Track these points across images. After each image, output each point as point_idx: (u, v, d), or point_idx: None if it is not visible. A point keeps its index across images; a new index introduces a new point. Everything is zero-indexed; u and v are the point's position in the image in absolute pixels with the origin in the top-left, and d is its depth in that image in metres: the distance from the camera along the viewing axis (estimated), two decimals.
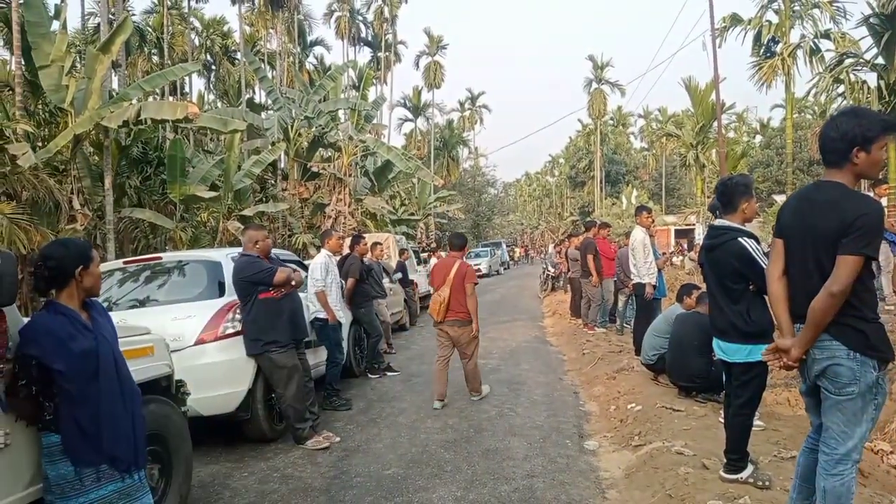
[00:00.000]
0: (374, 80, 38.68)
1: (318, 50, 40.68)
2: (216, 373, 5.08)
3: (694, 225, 34.15)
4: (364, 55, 44.88)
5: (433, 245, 30.88)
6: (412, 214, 29.49)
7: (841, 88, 13.52)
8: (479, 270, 31.36)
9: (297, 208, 19.81)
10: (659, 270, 8.78)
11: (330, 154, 22.41)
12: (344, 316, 6.99)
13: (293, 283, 5.16)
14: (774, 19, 21.41)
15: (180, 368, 4.26)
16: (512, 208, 74.26)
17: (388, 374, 8.20)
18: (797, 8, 20.82)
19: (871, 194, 9.29)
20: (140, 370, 3.42)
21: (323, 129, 20.10)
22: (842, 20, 19.94)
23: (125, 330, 3.43)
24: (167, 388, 3.83)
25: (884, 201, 9.92)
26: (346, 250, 8.60)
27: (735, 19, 21.80)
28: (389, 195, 26.22)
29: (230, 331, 5.17)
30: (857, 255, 2.43)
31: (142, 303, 5.52)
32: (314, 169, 20.58)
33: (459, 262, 6.49)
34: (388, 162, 21.73)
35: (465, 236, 7.54)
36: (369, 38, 43.49)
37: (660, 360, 6.47)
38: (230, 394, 5.13)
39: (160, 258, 6.05)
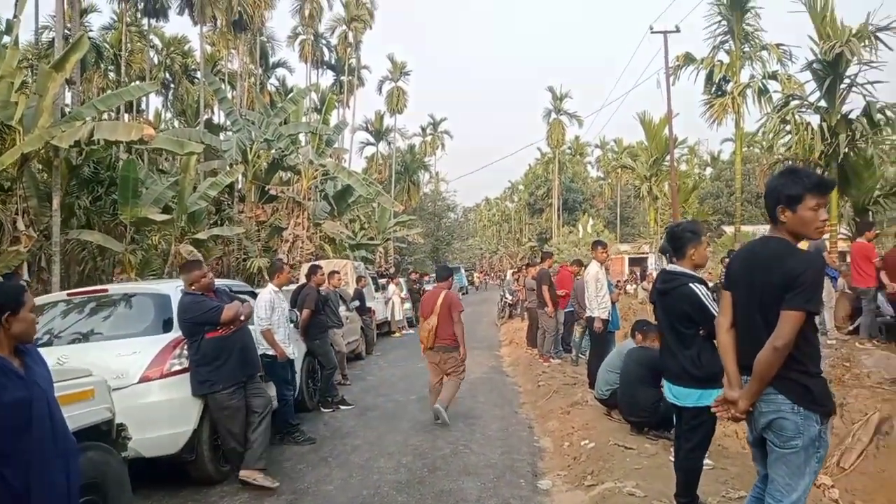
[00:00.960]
0: (336, 104, 38.67)
1: (280, 71, 40.63)
2: (161, 412, 4.91)
3: (647, 254, 34.98)
4: (327, 78, 44.99)
5: (392, 271, 30.74)
6: (371, 239, 29.34)
7: (788, 128, 14.14)
8: None
9: (254, 231, 19.48)
10: (613, 303, 8.96)
11: (289, 177, 22.20)
12: (296, 350, 6.87)
13: (242, 318, 5.05)
14: (726, 59, 22.39)
15: (123, 407, 4.11)
16: (471, 233, 74.71)
17: (342, 407, 8.05)
18: (747, 49, 21.83)
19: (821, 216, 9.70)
20: (79, 415, 3.28)
21: (283, 152, 19.92)
22: (788, 63, 21.04)
23: (64, 374, 3.30)
24: (107, 433, 3.67)
25: (826, 239, 10.35)
26: (302, 279, 8.49)
27: (688, 58, 22.71)
28: (349, 219, 26.08)
29: (176, 368, 5.01)
30: (799, 311, 2.51)
31: (85, 337, 5.32)
32: (272, 192, 20.33)
33: (446, 293, 6.97)
34: (349, 186, 21.65)
35: (451, 268, 8.31)
36: (333, 62, 43.55)
37: (613, 395, 6.54)
38: (175, 434, 4.95)
39: (106, 290, 5.85)
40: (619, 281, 29.66)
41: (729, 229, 33.88)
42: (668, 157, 24.05)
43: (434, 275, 34.86)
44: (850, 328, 9.79)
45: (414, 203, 47.34)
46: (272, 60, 39.15)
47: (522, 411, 7.92)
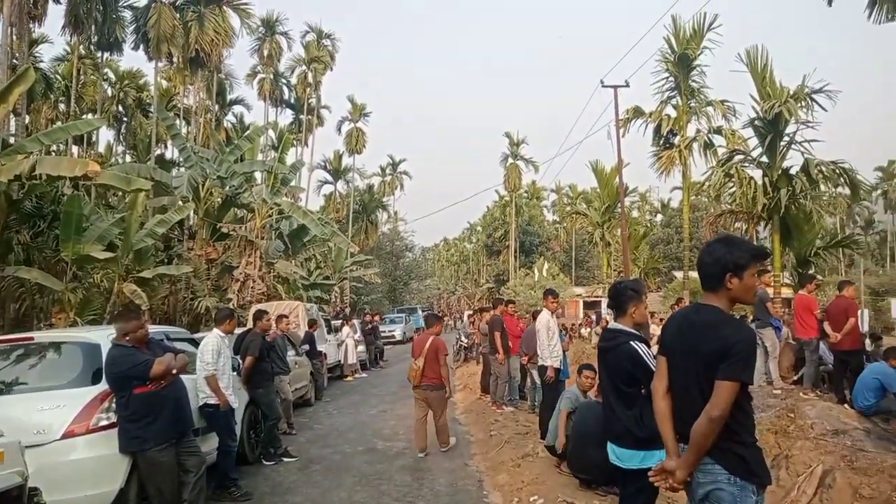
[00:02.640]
0: (294, 143, 38.55)
1: (237, 108, 40.32)
2: (85, 470, 4.61)
3: (601, 298, 35.46)
4: (286, 117, 44.88)
5: (347, 311, 30.29)
6: (327, 278, 28.95)
7: (732, 181, 14.72)
8: (392, 337, 30.99)
9: (203, 270, 18.96)
10: (563, 352, 8.97)
11: (243, 215, 21.83)
12: (237, 399, 6.59)
13: (175, 371, 4.80)
14: (673, 114, 23.42)
15: (43, 465, 3.84)
16: (429, 273, 74.64)
17: (285, 459, 7.71)
18: (693, 105, 22.89)
19: (758, 282, 10.02)
20: None
21: (236, 189, 19.61)
22: (732, 119, 22.17)
23: None
24: (17, 499, 3.39)
25: (770, 291, 10.67)
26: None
27: (637, 112, 23.65)
28: (304, 258, 25.69)
29: (104, 423, 4.73)
30: (734, 381, 2.50)
31: (7, 388, 5.00)
32: (224, 230, 19.90)
33: (434, 338, 7.83)
34: (304, 225, 21.40)
35: (439, 316, 9.25)
36: (292, 101, 43.60)
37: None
38: (100, 494, 4.65)
39: (32, 338, 5.53)
40: (573, 324, 29.94)
41: (679, 274, 34.77)
42: (619, 205, 24.65)
43: (388, 316, 34.53)
44: (795, 378, 10.03)
45: (371, 242, 47.13)
46: (230, 97, 38.93)
47: (473, 463, 7.74)
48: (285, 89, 42.91)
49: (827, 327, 8.79)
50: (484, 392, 12.16)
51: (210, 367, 5.94)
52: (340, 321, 19.20)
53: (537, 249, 62.81)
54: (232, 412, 6.28)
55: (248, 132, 25.17)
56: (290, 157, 32.20)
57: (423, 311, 49.44)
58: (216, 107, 36.53)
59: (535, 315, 11.00)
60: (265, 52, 38.16)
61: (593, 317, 28.63)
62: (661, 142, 23.71)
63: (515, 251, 58.30)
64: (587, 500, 5.51)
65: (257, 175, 23.45)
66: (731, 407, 2.50)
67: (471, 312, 25.73)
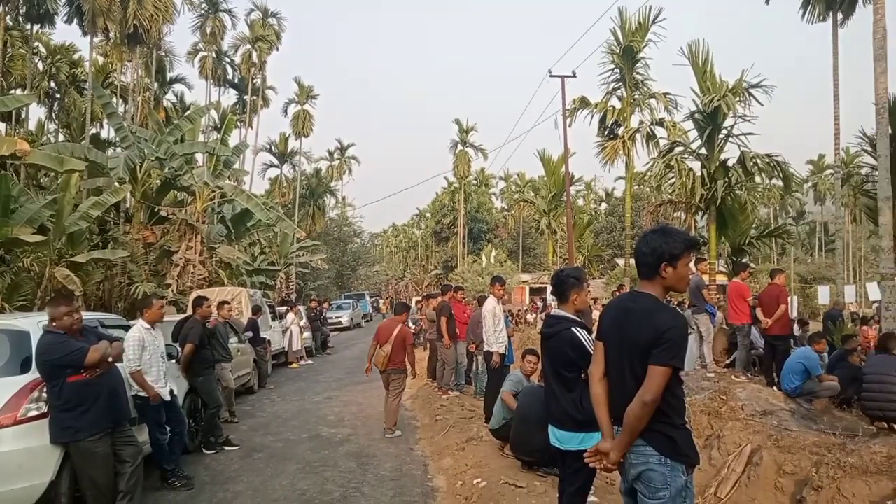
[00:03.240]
0: (238, 124, 37.50)
1: (178, 87, 38.82)
2: (13, 463, 4.41)
3: (547, 284, 36.09)
4: (229, 97, 43.55)
5: (293, 297, 29.82)
6: (272, 264, 28.36)
7: (672, 172, 15.17)
8: (339, 323, 30.72)
9: (140, 255, 18.29)
10: (509, 338, 9.10)
11: (183, 198, 21.12)
12: (175, 387, 6.41)
13: (110, 360, 4.64)
14: (618, 105, 23.92)
15: None
16: (378, 259, 74.24)
17: (227, 448, 7.57)
18: (637, 97, 23.44)
19: (694, 270, 10.40)
20: None
21: (176, 171, 18.93)
22: (674, 111, 22.83)
23: None
24: None
25: (705, 278, 11.08)
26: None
27: (584, 102, 24.04)
28: (248, 243, 25.10)
29: (33, 413, 4.53)
30: (666, 366, 2.59)
31: None
32: (163, 213, 19.22)
33: (401, 326, 8.40)
34: (248, 209, 20.87)
35: (406, 305, 9.65)
36: (236, 81, 42.31)
37: (506, 426, 6.58)
38: (29, 487, 4.46)
39: None
40: (519, 310, 30.39)
41: (621, 262, 35.72)
42: (565, 194, 25.07)
43: (336, 303, 34.17)
44: (727, 362, 10.48)
45: (319, 228, 46.40)
46: (170, 76, 37.44)
47: (418, 448, 7.80)
48: (229, 69, 41.61)
49: (759, 313, 9.21)
50: (430, 378, 12.24)
51: (133, 363, 5.67)
52: (285, 308, 18.90)
53: (485, 236, 63.29)
54: (167, 404, 6.08)
55: (188, 112, 24.29)
56: (234, 139, 31.44)
57: (370, 297, 49.31)
58: (155, 85, 35.09)
59: (480, 301, 11.12)
60: (208, 30, 36.85)
61: (539, 303, 29.11)
62: (606, 132, 24.21)
63: (464, 238, 58.59)
64: (529, 482, 5.62)
65: (198, 157, 22.72)
66: (662, 391, 2.59)
67: (419, 299, 25.74)
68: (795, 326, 13.31)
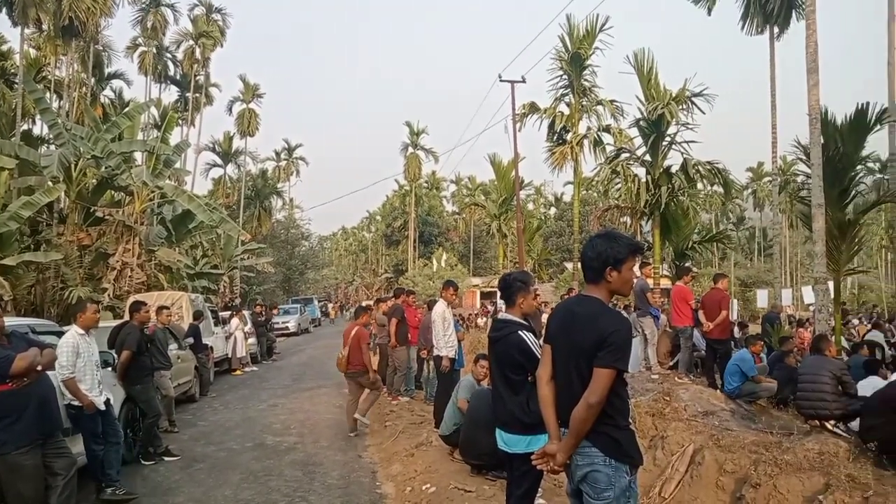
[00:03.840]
0: (179, 122, 36.34)
1: (116, 83, 37.28)
2: None
3: (497, 288, 36.31)
4: (171, 94, 42.11)
5: (237, 302, 29.05)
6: (215, 267, 27.53)
7: (618, 178, 15.52)
8: (286, 329, 30.11)
9: (75, 257, 17.47)
10: (459, 342, 9.07)
11: (120, 198, 20.29)
12: (111, 396, 6.11)
13: (39, 368, 4.36)
14: (566, 111, 24.36)
15: None
16: (326, 262, 73.28)
17: (166, 458, 7.25)
18: (585, 103, 23.92)
19: (640, 274, 10.62)
20: None
21: (113, 170, 18.17)
22: (620, 118, 23.43)
23: None
24: None
25: (650, 282, 11.35)
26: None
27: (533, 107, 24.40)
28: (190, 245, 24.29)
29: None
30: (610, 368, 2.61)
31: None
32: (99, 214, 18.42)
33: (358, 328, 8.60)
34: (189, 211, 20.22)
35: (366, 307, 10.01)
36: (178, 78, 41.00)
37: (456, 432, 6.54)
38: None
39: None
40: (469, 314, 30.48)
41: (570, 265, 36.34)
42: (515, 198, 25.32)
43: (283, 307, 33.49)
44: (671, 364, 10.74)
45: (265, 230, 45.40)
46: (108, 71, 35.92)
47: (367, 454, 7.68)
48: (170, 65, 40.26)
49: (701, 316, 9.48)
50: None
51: (66, 370, 5.37)
52: (229, 313, 18.38)
53: (436, 240, 63.30)
54: (101, 414, 5.78)
55: (127, 109, 23.39)
56: (175, 137, 30.37)
57: (319, 301, 48.55)
58: (92, 80, 33.64)
59: (430, 305, 11.06)
60: (149, 24, 35.57)
61: (490, 307, 29.29)
62: (555, 138, 24.61)
63: (415, 241, 58.46)
64: (478, 486, 5.60)
65: (137, 155, 21.94)
66: (607, 393, 2.60)
67: (369, 303, 25.50)
68: (735, 329, 13.81)
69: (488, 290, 44.15)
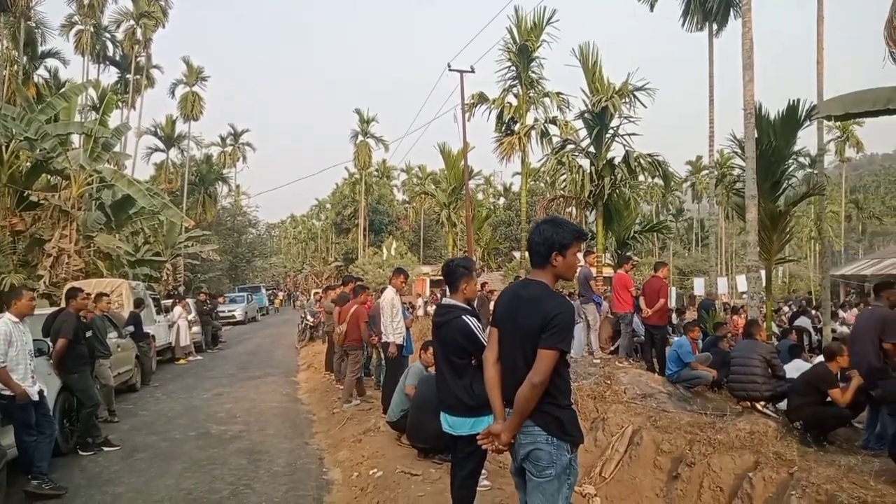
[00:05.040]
0: (119, 104, 34.93)
1: (51, 62, 35.44)
2: None
3: None
4: (110, 75, 40.33)
5: (181, 290, 28.27)
6: (158, 254, 26.68)
7: (564, 169, 15.84)
8: (233, 317, 29.56)
9: (8, 243, 16.66)
10: (407, 328, 9.13)
11: (56, 182, 19.41)
12: (45, 386, 5.91)
13: None
14: (514, 102, 24.60)
15: None
16: (275, 250, 71.92)
17: (105, 449, 7.08)
18: (532, 94, 24.21)
19: (584, 262, 10.91)
20: None
21: (48, 153, 17.36)
22: (566, 110, 23.82)
23: None
24: None
25: (593, 270, 11.67)
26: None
27: (482, 98, 24.59)
28: (131, 232, 23.45)
29: None
30: (553, 349, 2.70)
31: None
32: (34, 198, 17.59)
33: (357, 307, 9.25)
34: (129, 196, 19.50)
35: (365, 286, 10.65)
36: (117, 59, 39.32)
37: (404, 417, 6.61)
38: None
39: None
40: (415, 305, 30.53)
41: (518, 254, 36.80)
42: (464, 187, 25.46)
43: (229, 296, 32.83)
44: (612, 349, 11.09)
45: (210, 217, 44.14)
46: (41, 49, 34.09)
47: (314, 441, 7.68)
48: (109, 45, 38.54)
49: (642, 302, 9.84)
50: (328, 370, 12.05)
51: None
52: (172, 300, 17.91)
53: (387, 228, 62.95)
54: (35, 404, 5.59)
55: (63, 89, 22.32)
56: (115, 120, 29.23)
57: (267, 289, 47.70)
58: (24, 59, 31.91)
59: (380, 292, 11.10)
60: (85, 2, 33.95)
61: (439, 294, 29.40)
62: (503, 128, 24.85)
63: (365, 229, 57.98)
64: (424, 469, 5.69)
65: (74, 138, 20.95)
66: (551, 373, 2.70)
67: (318, 291, 25.24)
68: (674, 315, 14.35)
69: (437, 278, 44.26)
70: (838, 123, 41.33)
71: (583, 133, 16.49)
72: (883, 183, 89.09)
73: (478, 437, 3.02)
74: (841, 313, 18.39)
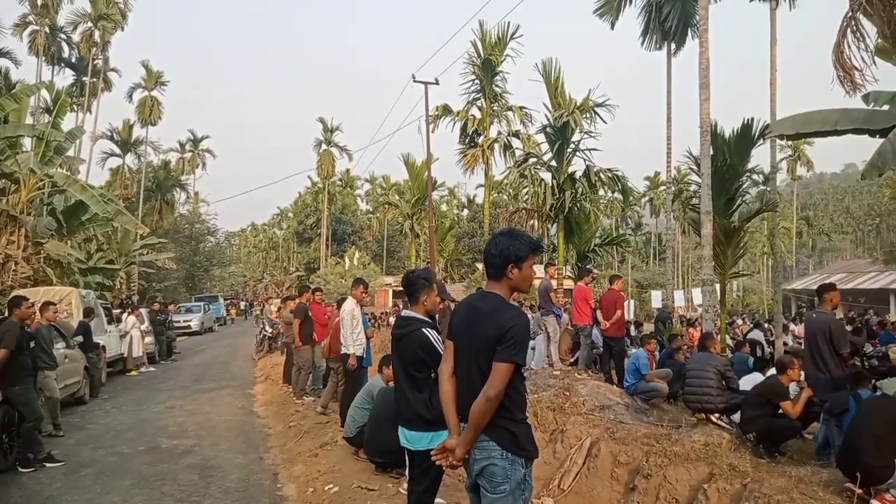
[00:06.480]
0: (74, 107, 33.96)
1: (2, 62, 34.23)
2: None
3: None
4: (65, 77, 39.18)
5: (135, 299, 27.47)
6: (111, 262, 25.93)
7: (526, 182, 16.03)
8: (188, 327, 28.85)
9: None
10: (368, 339, 9.01)
11: (5, 186, 18.69)
12: None
13: None
14: (478, 115, 24.86)
15: None
16: (234, 259, 70.62)
17: (48, 465, 6.75)
18: (496, 108, 24.52)
19: (544, 274, 10.99)
20: None
21: None
22: (529, 124, 24.21)
23: None
24: None
25: (553, 282, 11.74)
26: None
27: (446, 110, 24.83)
28: (83, 238, 22.72)
29: None
30: (508, 363, 2.67)
31: None
32: None
33: (338, 320, 8.86)
34: (82, 201, 18.91)
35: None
36: (73, 61, 38.25)
37: (361, 433, 6.50)
38: None
39: None
40: (382, 313, 30.34)
41: (481, 266, 36.96)
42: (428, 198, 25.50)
43: (185, 305, 32.08)
44: (571, 360, 11.17)
45: (167, 224, 43.10)
46: None
47: (269, 456, 7.49)
48: (65, 46, 37.53)
49: (599, 315, 9.95)
50: (286, 383, 11.83)
51: None
52: (125, 310, 17.36)
53: (350, 238, 62.55)
54: None
55: (14, 90, 21.54)
56: (69, 123, 28.37)
57: (225, 299, 46.69)
58: None
59: (340, 304, 10.94)
60: (39, 1, 32.98)
61: (401, 305, 29.26)
62: (467, 140, 25.06)
63: (327, 239, 57.50)
64: (382, 484, 5.60)
65: (26, 141, 20.23)
66: (506, 387, 2.66)
67: (278, 301, 24.81)
68: (632, 328, 14.57)
69: (400, 289, 44.09)
70: (790, 142, 42.90)
71: (545, 147, 16.72)
72: (831, 201, 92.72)
73: (432, 453, 2.97)
74: (792, 326, 18.95)
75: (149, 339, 17.03)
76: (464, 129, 24.86)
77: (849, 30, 6.78)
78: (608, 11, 20.90)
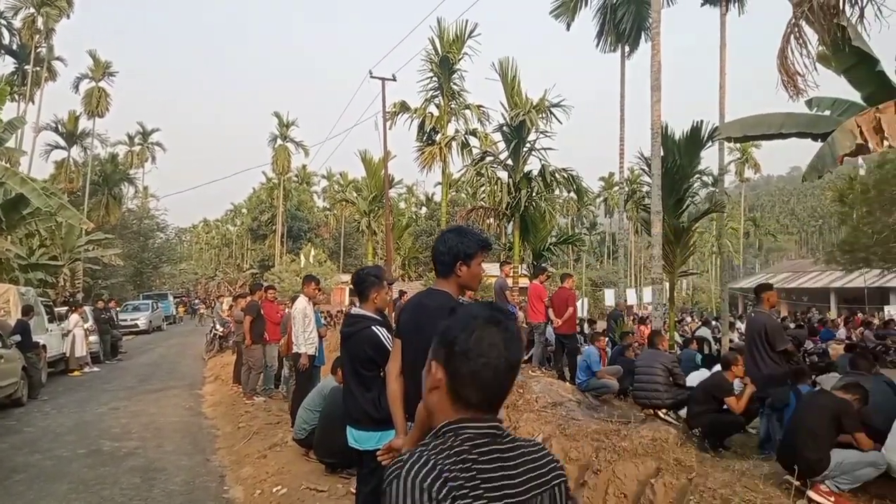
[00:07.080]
0: (15, 97, 32.49)
1: None
2: None
3: None
4: (6, 65, 37.47)
5: (79, 296, 26.46)
6: (54, 258, 24.94)
7: (483, 180, 16.09)
8: (136, 326, 28.00)
9: None
10: (320, 338, 8.89)
11: None
12: None
13: None
14: (436, 112, 24.83)
15: None
16: (185, 256, 68.81)
17: None
18: (454, 106, 24.54)
19: (500, 273, 11.04)
20: None
21: None
22: (486, 123, 24.30)
23: None
24: None
25: (509, 280, 11.82)
26: None
27: (404, 107, 24.70)
28: (24, 234, 21.75)
29: None
30: None
31: None
32: None
33: None
34: (23, 195, 18.08)
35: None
36: (14, 48, 36.60)
37: (310, 435, 6.39)
38: None
39: None
40: (338, 311, 30.00)
41: None
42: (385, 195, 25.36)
43: (132, 303, 31.13)
44: (526, 358, 11.25)
45: (114, 220, 41.64)
46: None
47: (216, 458, 7.30)
48: (5, 32, 35.90)
49: (551, 313, 10.05)
50: (236, 383, 11.56)
51: None
52: (68, 308, 16.69)
53: (306, 235, 61.66)
54: None
55: None
56: (10, 113, 27.06)
57: (175, 297, 45.45)
58: None
59: (293, 300, 10.75)
60: None
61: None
62: (425, 138, 25.00)
63: (283, 236, 56.56)
64: (331, 485, 5.52)
65: None
66: None
67: (229, 299, 24.27)
68: (586, 325, 14.78)
69: None
70: (738, 145, 44.28)
71: (501, 146, 16.81)
72: (778, 203, 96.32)
73: (378, 453, 2.92)
74: (739, 324, 19.57)
75: (93, 337, 16.42)
76: (421, 126, 24.81)
77: (792, 36, 6.98)
78: (564, 13, 21.16)
